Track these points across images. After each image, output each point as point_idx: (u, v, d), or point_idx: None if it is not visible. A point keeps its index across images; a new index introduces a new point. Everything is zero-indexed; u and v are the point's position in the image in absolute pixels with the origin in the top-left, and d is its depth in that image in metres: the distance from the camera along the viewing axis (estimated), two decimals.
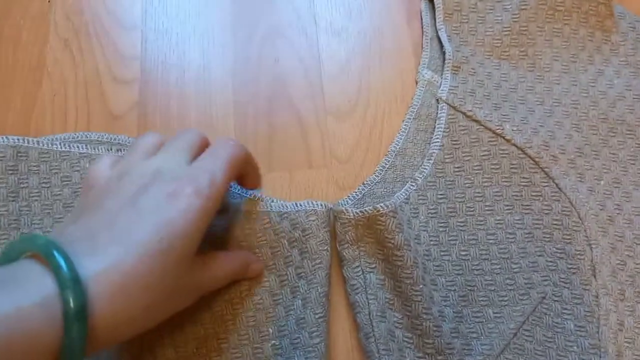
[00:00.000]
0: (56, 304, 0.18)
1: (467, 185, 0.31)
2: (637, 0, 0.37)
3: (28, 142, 0.30)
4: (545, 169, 0.31)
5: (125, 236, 0.21)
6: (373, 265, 0.28)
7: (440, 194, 0.30)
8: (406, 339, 0.27)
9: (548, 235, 0.30)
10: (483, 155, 0.31)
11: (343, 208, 0.28)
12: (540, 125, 0.32)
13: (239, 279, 0.28)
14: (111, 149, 0.31)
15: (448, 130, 0.32)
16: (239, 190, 0.30)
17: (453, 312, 0.28)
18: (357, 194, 0.30)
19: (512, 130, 0.32)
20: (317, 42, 0.35)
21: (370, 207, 0.28)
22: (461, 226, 0.30)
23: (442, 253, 0.29)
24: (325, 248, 0.28)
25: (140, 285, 0.21)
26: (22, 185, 0.29)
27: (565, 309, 0.28)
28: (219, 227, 0.29)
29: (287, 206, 0.29)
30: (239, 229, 0.28)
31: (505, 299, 0.28)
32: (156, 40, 0.35)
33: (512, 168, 0.31)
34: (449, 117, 0.32)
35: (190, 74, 0.34)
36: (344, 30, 0.36)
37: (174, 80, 0.34)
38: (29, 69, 0.34)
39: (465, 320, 0.28)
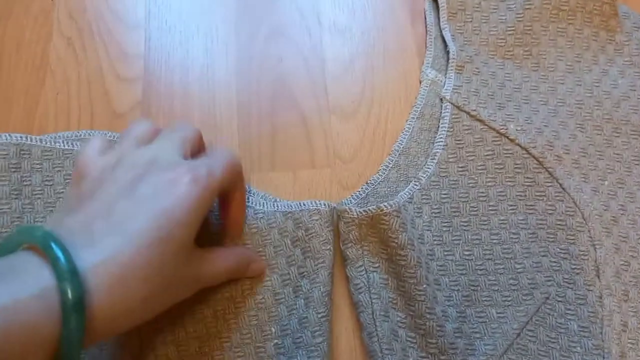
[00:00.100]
0: (54, 295, 0.18)
1: (470, 185, 0.31)
2: None
3: (31, 140, 0.30)
4: (549, 169, 0.31)
5: (122, 226, 0.21)
6: (376, 265, 0.28)
7: (444, 194, 0.30)
8: (409, 339, 0.27)
9: (552, 236, 0.29)
10: (487, 155, 0.31)
11: (347, 207, 0.28)
12: (545, 125, 0.32)
13: (239, 277, 0.28)
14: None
15: (452, 129, 0.32)
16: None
17: (456, 312, 0.28)
18: (361, 193, 0.30)
19: (516, 130, 0.32)
20: (320, 41, 0.35)
21: (374, 207, 0.28)
22: (465, 226, 0.30)
23: (445, 253, 0.29)
24: (328, 247, 0.28)
25: (139, 276, 0.20)
26: (24, 183, 0.29)
27: (569, 309, 0.28)
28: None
29: (291, 206, 0.29)
30: (246, 227, 0.28)
31: (509, 299, 0.28)
32: (160, 39, 0.35)
33: (516, 168, 0.31)
34: (453, 116, 0.32)
35: (193, 73, 0.34)
36: (347, 29, 0.36)
37: (177, 79, 0.34)
38: (32, 67, 0.34)
39: (469, 320, 0.28)
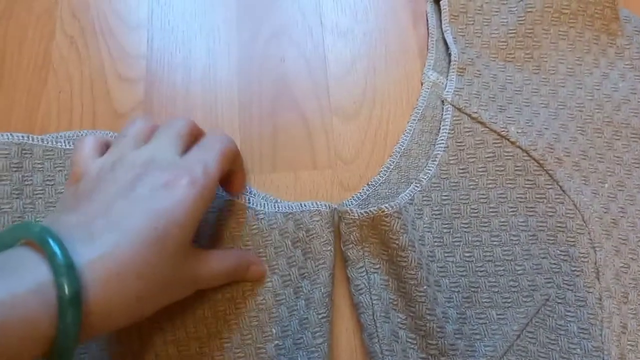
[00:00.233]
0: (51, 290, 0.19)
1: (471, 186, 0.31)
2: None
3: (32, 140, 0.30)
4: (550, 172, 0.31)
5: (120, 224, 0.21)
6: (377, 266, 0.28)
7: (445, 196, 0.30)
8: (410, 340, 0.27)
9: (552, 238, 0.30)
10: (488, 157, 0.31)
11: (348, 208, 0.28)
12: (545, 128, 0.32)
13: (239, 280, 0.28)
14: None
15: (453, 131, 0.32)
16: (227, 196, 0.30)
17: (457, 313, 0.28)
18: (362, 194, 0.31)
19: (517, 132, 0.32)
20: (322, 42, 0.35)
21: (375, 208, 0.28)
22: (465, 228, 0.30)
23: (446, 254, 0.29)
24: (329, 249, 0.28)
25: (135, 273, 0.21)
26: (26, 183, 0.29)
27: (569, 311, 0.28)
28: (224, 227, 0.29)
29: (292, 207, 0.29)
30: (247, 228, 0.29)
31: (509, 300, 0.28)
32: (162, 39, 0.35)
33: (516, 170, 0.31)
34: (454, 118, 0.32)
35: (195, 73, 0.34)
36: (349, 31, 0.36)
37: (179, 79, 0.34)
38: (35, 66, 0.34)
39: (469, 321, 0.28)
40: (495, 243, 0.30)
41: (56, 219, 0.22)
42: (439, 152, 0.31)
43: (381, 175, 0.31)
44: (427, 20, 0.36)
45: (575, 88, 0.34)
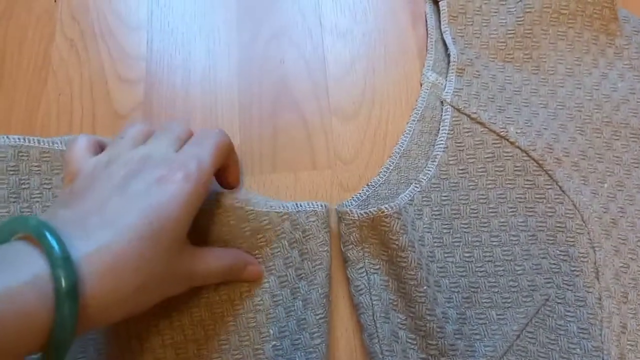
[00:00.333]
0: (48, 283, 0.19)
1: (471, 187, 0.31)
2: None
3: (29, 142, 0.29)
4: (549, 172, 0.31)
5: (115, 220, 0.21)
6: (377, 267, 0.28)
7: (444, 196, 0.31)
8: (410, 340, 0.27)
9: (551, 238, 0.30)
10: (487, 158, 0.31)
11: (347, 209, 0.29)
12: (544, 128, 0.32)
13: (235, 279, 0.28)
14: None
15: (452, 132, 0.32)
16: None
17: (456, 313, 0.28)
18: (361, 195, 0.31)
19: (516, 132, 0.32)
20: (322, 43, 0.35)
21: (375, 208, 0.28)
22: (465, 228, 0.30)
23: (445, 255, 0.29)
24: (326, 249, 0.28)
25: (131, 267, 0.21)
26: (23, 186, 0.29)
27: (569, 311, 0.28)
28: (217, 227, 0.28)
29: (287, 207, 0.28)
30: (238, 229, 0.28)
31: (509, 300, 0.28)
32: (162, 41, 0.35)
33: (516, 170, 0.31)
34: (453, 119, 0.32)
35: (195, 75, 0.34)
36: (349, 32, 0.36)
37: (179, 81, 0.34)
38: (35, 68, 0.34)
39: (469, 321, 0.28)
40: (494, 243, 0.30)
41: (52, 214, 0.22)
42: (438, 152, 0.31)
43: (381, 175, 0.31)
44: (426, 21, 0.36)
45: (574, 88, 0.34)
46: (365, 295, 0.28)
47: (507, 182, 0.31)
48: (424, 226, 0.30)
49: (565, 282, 0.29)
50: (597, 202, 0.31)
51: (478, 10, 0.35)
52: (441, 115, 0.33)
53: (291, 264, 0.28)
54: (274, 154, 0.33)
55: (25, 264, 0.19)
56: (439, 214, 0.30)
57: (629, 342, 0.28)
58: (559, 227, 0.30)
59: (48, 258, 0.19)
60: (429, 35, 0.35)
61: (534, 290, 0.29)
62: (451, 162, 0.31)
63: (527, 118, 0.32)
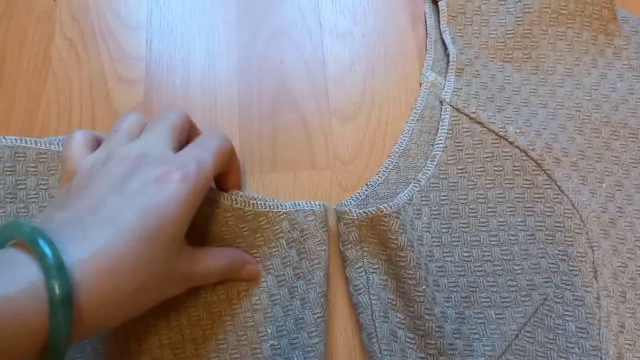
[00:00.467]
0: (42, 290, 0.19)
1: (470, 186, 0.31)
2: None
3: (26, 143, 0.29)
4: (548, 171, 0.31)
5: (113, 220, 0.21)
6: (376, 266, 0.29)
7: (443, 196, 0.31)
8: (408, 340, 0.27)
9: (550, 237, 0.30)
10: (486, 157, 0.31)
11: (346, 209, 0.29)
12: (543, 128, 0.32)
13: (233, 279, 0.28)
14: None
15: (451, 132, 0.32)
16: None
17: (455, 312, 0.28)
18: (361, 194, 0.31)
19: (515, 132, 0.32)
20: (321, 44, 0.35)
21: (374, 208, 0.28)
22: (464, 227, 0.30)
23: (444, 254, 0.29)
24: (324, 248, 0.28)
25: (128, 269, 0.21)
26: (19, 187, 0.29)
27: (567, 310, 0.28)
28: (216, 227, 0.28)
29: (285, 206, 0.28)
30: (236, 228, 0.28)
31: (507, 300, 0.28)
32: (161, 41, 0.35)
33: (514, 170, 0.31)
34: (453, 119, 0.32)
35: (195, 75, 0.34)
36: (348, 32, 0.36)
37: (178, 81, 0.34)
38: (34, 68, 0.34)
39: (467, 321, 0.28)
40: (493, 243, 0.30)
41: (48, 216, 0.22)
42: (437, 152, 0.31)
43: (380, 175, 0.31)
44: (426, 21, 0.36)
45: (573, 88, 0.34)
46: (364, 295, 0.28)
47: (506, 181, 0.31)
48: (423, 226, 0.30)
49: (563, 281, 0.29)
50: (596, 201, 0.31)
51: (477, 10, 0.35)
52: (440, 114, 0.33)
53: (289, 263, 0.28)
54: (274, 154, 0.33)
55: (20, 271, 0.19)
56: (437, 214, 0.30)
57: (626, 342, 0.28)
58: (557, 226, 0.30)
59: (42, 266, 0.19)
60: (428, 35, 0.35)
61: (533, 289, 0.29)
62: (450, 162, 0.31)
63: (526, 118, 0.32)
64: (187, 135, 0.27)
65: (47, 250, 0.19)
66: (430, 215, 0.30)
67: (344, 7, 0.36)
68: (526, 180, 0.31)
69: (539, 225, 0.30)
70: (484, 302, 0.28)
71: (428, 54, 0.35)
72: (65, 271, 0.19)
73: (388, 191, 0.31)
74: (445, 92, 0.33)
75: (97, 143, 0.26)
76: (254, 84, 0.34)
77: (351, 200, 0.30)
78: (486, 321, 0.28)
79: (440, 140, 0.32)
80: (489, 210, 0.30)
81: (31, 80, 0.34)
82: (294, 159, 0.32)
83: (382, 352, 0.27)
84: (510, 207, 0.30)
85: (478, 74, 0.33)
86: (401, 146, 0.32)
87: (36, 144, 0.30)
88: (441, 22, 0.35)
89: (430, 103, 0.33)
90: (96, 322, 0.21)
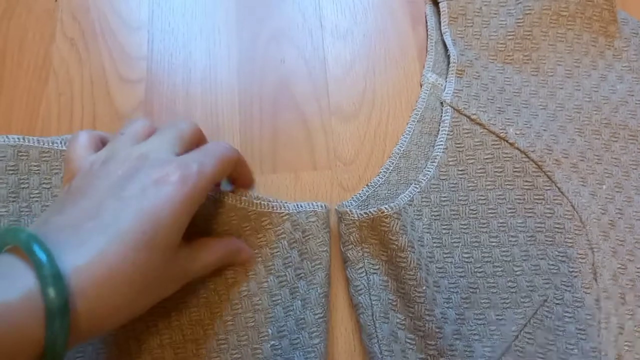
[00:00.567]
0: (38, 298, 0.18)
1: (470, 188, 0.31)
2: None
3: (29, 141, 0.29)
4: (548, 173, 0.31)
5: (110, 226, 0.21)
6: (376, 267, 0.29)
7: (444, 197, 0.31)
8: (409, 340, 0.27)
9: (550, 239, 0.30)
10: (486, 159, 0.31)
11: (347, 209, 0.29)
12: (544, 130, 0.32)
13: (229, 265, 0.28)
14: None
15: (452, 133, 0.32)
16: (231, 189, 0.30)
17: (455, 314, 0.28)
18: (361, 195, 0.31)
19: (516, 134, 0.32)
20: (322, 44, 0.35)
21: (375, 209, 0.28)
22: (464, 229, 0.30)
23: (445, 255, 0.29)
24: (325, 249, 0.28)
25: (124, 277, 0.21)
26: (22, 186, 0.29)
27: (567, 312, 0.28)
28: (219, 227, 0.29)
29: (287, 207, 0.29)
30: (239, 228, 0.28)
31: (507, 301, 0.29)
32: (162, 41, 0.35)
33: (515, 171, 0.31)
34: (453, 120, 0.32)
35: (196, 75, 0.34)
36: (349, 33, 0.36)
37: (179, 81, 0.34)
38: (35, 67, 0.34)
39: (467, 322, 0.28)
40: (493, 244, 0.30)
41: (47, 218, 0.22)
42: (438, 153, 0.32)
43: (380, 176, 0.31)
44: (426, 22, 0.36)
45: (573, 90, 0.34)
46: (364, 296, 0.28)
47: (506, 183, 0.31)
48: (424, 227, 0.30)
49: (563, 283, 0.29)
50: (596, 203, 0.31)
51: (478, 12, 0.35)
52: (441, 116, 0.33)
53: (290, 263, 0.28)
54: (275, 154, 0.33)
55: (17, 279, 0.19)
56: (438, 215, 0.30)
57: (626, 343, 0.28)
58: (557, 228, 0.30)
59: (38, 275, 0.19)
60: (429, 36, 0.36)
61: (533, 291, 0.29)
62: (451, 163, 0.31)
63: (527, 119, 0.32)
64: (195, 147, 0.26)
65: (43, 257, 0.19)
66: (431, 216, 0.30)
67: (345, 7, 0.37)
68: (526, 181, 0.31)
69: (539, 227, 0.30)
70: (484, 303, 0.28)
71: (429, 55, 0.35)
72: (61, 279, 0.19)
73: (389, 192, 0.31)
74: (446, 93, 0.33)
75: (101, 144, 0.26)
76: (255, 84, 0.34)
77: (352, 201, 0.30)
78: (486, 322, 0.28)
79: (441, 141, 0.32)
80: (489, 211, 0.30)
81: (32, 80, 0.34)
82: (294, 159, 0.33)
83: (382, 352, 0.27)
84: (510, 209, 0.30)
85: (479, 76, 0.34)
86: (402, 147, 0.32)
87: (39, 142, 0.30)
88: (442, 24, 0.35)
89: (430, 104, 0.33)
90: (93, 327, 0.21)
